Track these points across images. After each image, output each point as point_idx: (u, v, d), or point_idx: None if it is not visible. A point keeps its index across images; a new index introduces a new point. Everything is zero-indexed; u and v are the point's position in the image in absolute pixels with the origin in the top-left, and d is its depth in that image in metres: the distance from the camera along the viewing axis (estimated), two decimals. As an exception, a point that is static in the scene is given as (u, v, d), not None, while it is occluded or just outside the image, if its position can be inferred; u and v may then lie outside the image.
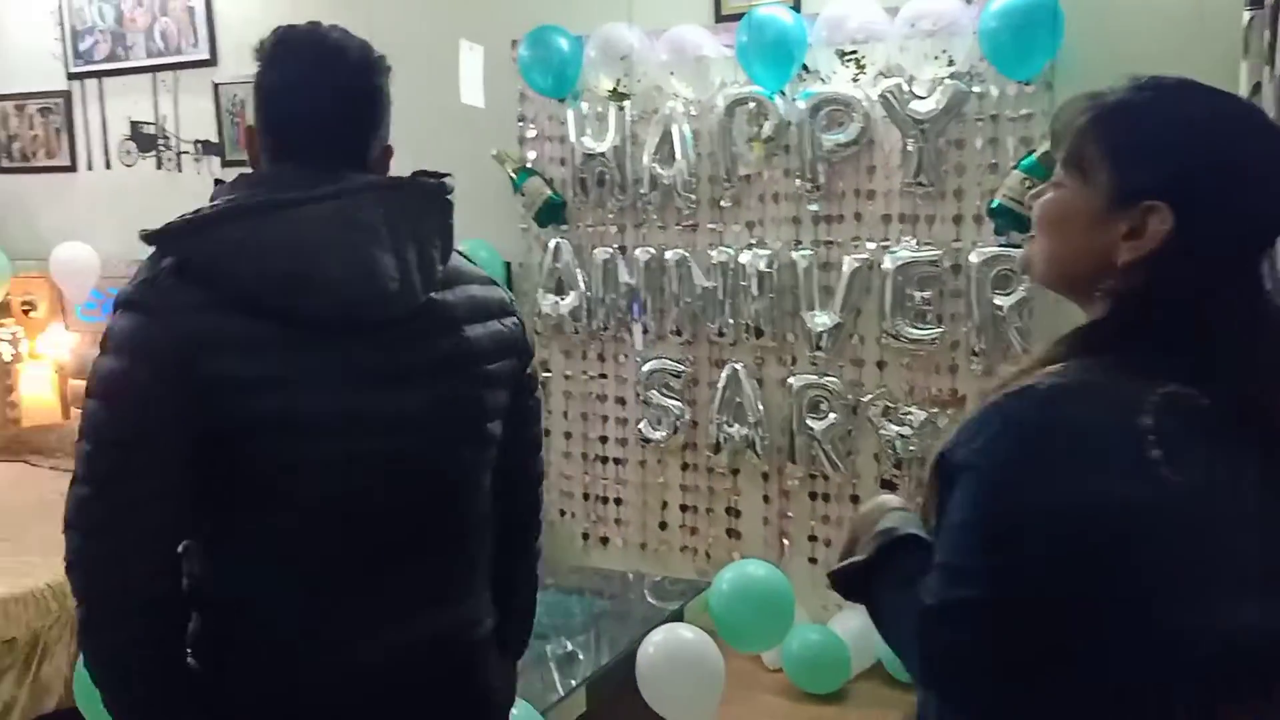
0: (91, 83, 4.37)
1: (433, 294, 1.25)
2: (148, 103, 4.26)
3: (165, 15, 4.18)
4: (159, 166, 4.25)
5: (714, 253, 3.29)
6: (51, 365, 4.39)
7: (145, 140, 4.28)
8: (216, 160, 4.16)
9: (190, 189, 4.19)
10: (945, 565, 0.94)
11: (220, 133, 4.13)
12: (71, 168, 4.46)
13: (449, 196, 1.29)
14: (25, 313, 4.37)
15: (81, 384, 1.66)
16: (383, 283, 1.18)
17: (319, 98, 1.22)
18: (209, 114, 4.13)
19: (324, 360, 1.18)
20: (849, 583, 1.07)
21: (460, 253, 1.36)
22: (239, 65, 4.06)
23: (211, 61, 4.11)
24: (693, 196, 3.31)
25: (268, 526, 1.22)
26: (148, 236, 1.17)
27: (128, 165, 4.34)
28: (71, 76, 4.39)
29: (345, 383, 1.19)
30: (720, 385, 3.33)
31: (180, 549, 1.21)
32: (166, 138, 4.24)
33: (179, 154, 4.23)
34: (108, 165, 4.39)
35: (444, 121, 3.58)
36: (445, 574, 1.34)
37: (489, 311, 1.34)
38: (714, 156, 3.27)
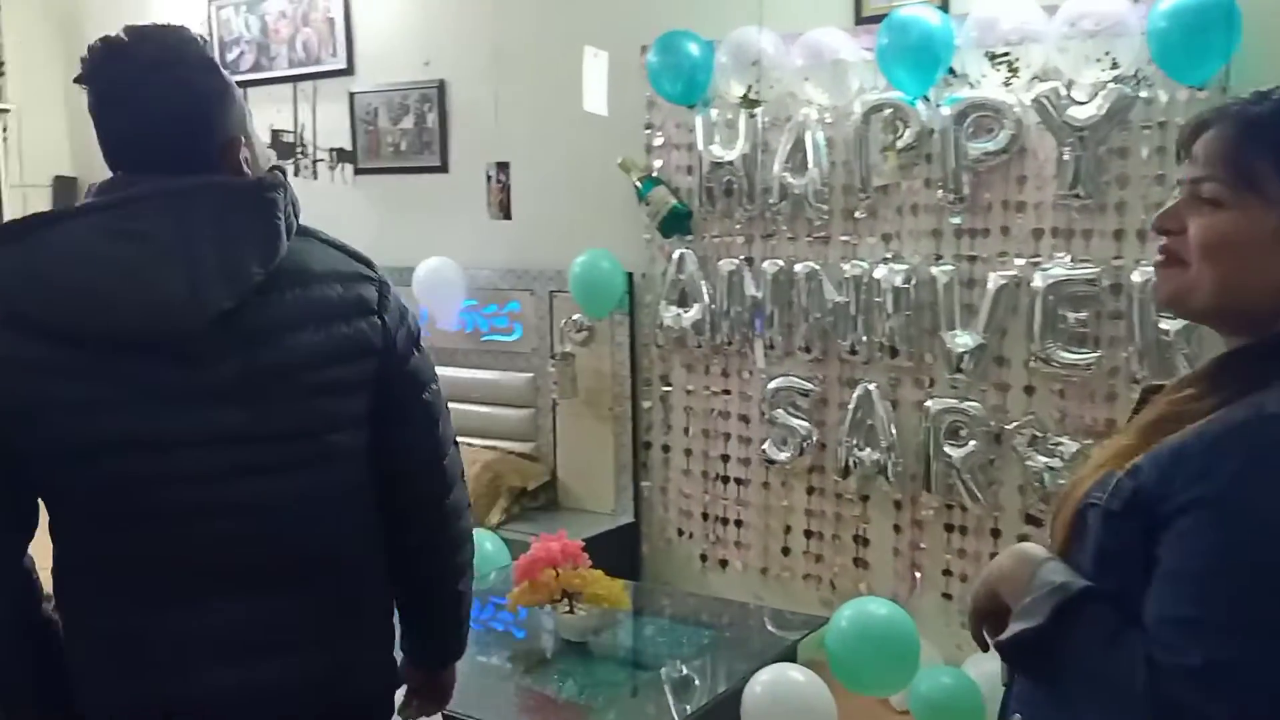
0: (237, 92, 4.50)
1: (247, 300, 1.18)
2: (288, 111, 4.36)
3: (307, 26, 4.27)
4: (296, 174, 4.34)
5: (846, 266, 3.13)
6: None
7: (284, 148, 4.38)
8: (350, 168, 4.22)
9: (324, 195, 4.27)
10: (1188, 619, 0.82)
11: (354, 141, 4.19)
12: (216, 175, 4.60)
13: (270, 194, 1.21)
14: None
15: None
16: (160, 294, 1.13)
17: (132, 111, 1.19)
18: (345, 122, 4.20)
19: (112, 380, 1.14)
20: (1022, 652, 0.94)
21: (329, 242, 1.30)
22: (375, 75, 4.12)
23: (349, 71, 4.18)
24: (825, 207, 3.16)
25: (78, 550, 1.23)
26: None
27: (267, 172, 4.45)
28: (218, 86, 4.53)
29: (136, 402, 1.15)
30: (851, 406, 3.16)
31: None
32: (304, 146, 4.33)
33: (315, 162, 4.31)
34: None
35: (569, 129, 3.54)
36: (293, 613, 1.26)
37: (335, 312, 1.25)
38: (849, 165, 3.11)
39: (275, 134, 4.39)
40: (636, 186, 3.43)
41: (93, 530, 1.21)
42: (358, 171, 4.21)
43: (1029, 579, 0.95)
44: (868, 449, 3.15)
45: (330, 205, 4.25)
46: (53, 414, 1.14)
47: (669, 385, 3.54)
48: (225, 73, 1.25)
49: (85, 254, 1.13)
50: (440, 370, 4.58)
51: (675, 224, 3.40)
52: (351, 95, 4.16)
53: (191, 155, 1.20)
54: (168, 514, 1.19)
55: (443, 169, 3.99)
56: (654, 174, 3.44)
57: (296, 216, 1.26)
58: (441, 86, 3.94)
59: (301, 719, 1.29)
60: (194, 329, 1.15)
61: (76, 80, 1.21)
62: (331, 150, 4.26)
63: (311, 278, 1.24)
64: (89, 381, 1.14)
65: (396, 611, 1.47)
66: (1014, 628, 0.94)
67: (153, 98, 1.18)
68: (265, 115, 4.42)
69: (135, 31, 1.21)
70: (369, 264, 1.33)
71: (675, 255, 3.42)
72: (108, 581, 1.22)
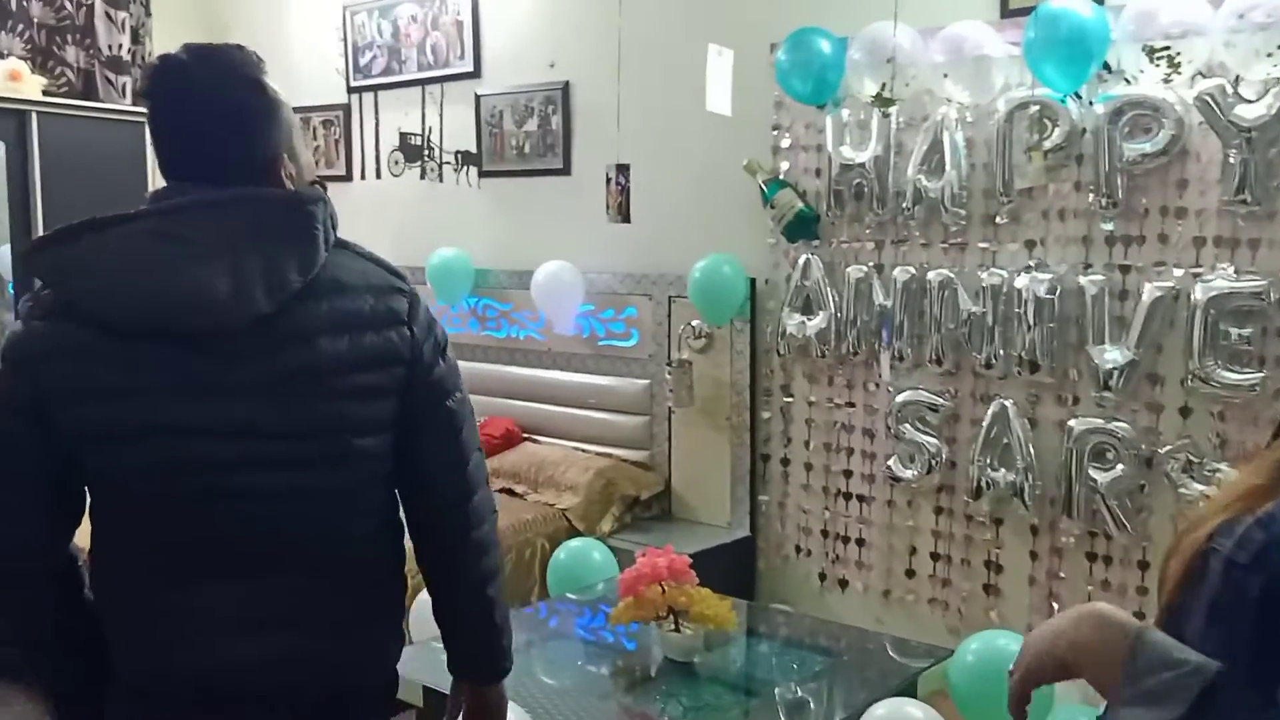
0: (368, 96, 4.59)
1: (285, 306, 1.25)
2: (416, 115, 4.41)
3: (436, 30, 4.32)
4: (422, 176, 4.39)
5: (984, 274, 2.95)
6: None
7: (412, 151, 4.43)
8: (474, 170, 4.24)
9: (448, 198, 4.30)
10: None
11: (479, 144, 4.20)
12: (347, 177, 4.69)
13: (310, 207, 1.30)
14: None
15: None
16: (204, 293, 1.21)
17: (184, 127, 1.29)
18: (470, 125, 4.22)
19: (150, 370, 1.22)
20: None
21: (364, 255, 1.38)
22: (501, 78, 4.12)
23: (475, 74, 4.20)
24: (962, 211, 2.99)
25: (108, 529, 1.31)
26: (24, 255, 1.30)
27: (395, 175, 4.52)
28: (351, 90, 4.63)
29: (170, 393, 1.23)
30: (985, 423, 2.98)
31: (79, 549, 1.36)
32: (431, 149, 4.37)
33: (440, 164, 4.35)
34: (378, 175, 4.59)
35: (693, 130, 3.46)
36: (289, 599, 1.31)
37: (366, 323, 1.33)
38: (990, 167, 2.94)
39: (403, 137, 4.45)
40: (762, 189, 3.32)
41: (121, 512, 1.29)
42: (482, 174, 4.22)
43: (1130, 652, 0.85)
44: (1002, 469, 2.96)
45: (454, 208, 4.29)
46: (94, 399, 1.21)
47: (790, 396, 3.42)
48: (273, 92, 1.32)
49: (134, 254, 1.22)
50: (555, 375, 4.55)
51: (801, 228, 3.28)
52: (477, 98, 4.17)
53: (237, 169, 1.29)
54: (189, 500, 1.25)
55: (565, 171, 3.96)
56: (780, 176, 3.33)
57: (335, 229, 1.34)
58: (566, 88, 3.92)
59: (310, 691, 1.35)
60: (233, 327, 1.23)
61: (137, 95, 1.27)
62: (457, 153, 4.29)
63: (346, 289, 1.32)
64: (129, 371, 1.22)
65: (439, 628, 1.52)
66: (1137, 714, 0.83)
67: (202, 115, 1.28)
68: (394, 118, 4.49)
69: (193, 50, 1.30)
70: (401, 277, 1.41)
71: (800, 261, 3.30)
72: (133, 560, 1.30)
